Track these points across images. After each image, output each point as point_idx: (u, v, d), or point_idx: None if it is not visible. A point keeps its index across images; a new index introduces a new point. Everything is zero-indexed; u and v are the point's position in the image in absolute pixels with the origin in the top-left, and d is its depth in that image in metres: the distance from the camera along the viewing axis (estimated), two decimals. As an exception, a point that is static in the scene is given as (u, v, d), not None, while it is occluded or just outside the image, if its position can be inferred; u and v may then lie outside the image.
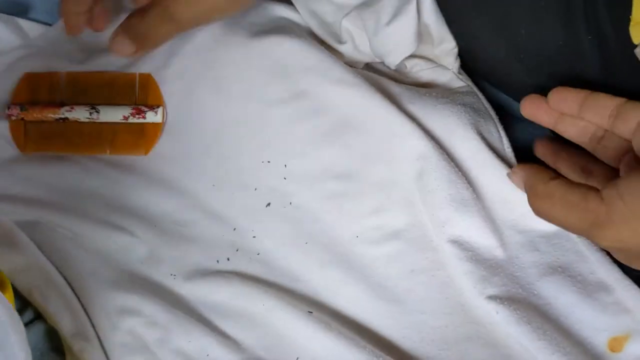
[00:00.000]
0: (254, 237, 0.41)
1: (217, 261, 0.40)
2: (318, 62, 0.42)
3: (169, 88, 0.45)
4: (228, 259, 0.40)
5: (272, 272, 0.40)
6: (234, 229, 0.41)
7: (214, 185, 0.42)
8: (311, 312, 0.37)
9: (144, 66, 0.45)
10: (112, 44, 0.41)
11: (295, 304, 0.37)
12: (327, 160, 0.41)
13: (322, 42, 0.44)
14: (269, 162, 0.42)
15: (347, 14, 0.41)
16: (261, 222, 0.41)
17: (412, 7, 0.40)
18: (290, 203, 0.41)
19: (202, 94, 0.44)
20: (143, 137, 0.45)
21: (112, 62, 0.46)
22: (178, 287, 0.40)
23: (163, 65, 0.45)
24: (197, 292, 0.39)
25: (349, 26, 0.43)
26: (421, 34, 0.42)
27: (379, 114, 0.40)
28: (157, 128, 0.45)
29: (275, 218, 0.41)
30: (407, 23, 0.40)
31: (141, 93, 0.45)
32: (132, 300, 0.38)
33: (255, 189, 0.41)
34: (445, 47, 0.43)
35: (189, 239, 0.41)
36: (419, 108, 0.41)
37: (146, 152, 0.44)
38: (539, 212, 0.31)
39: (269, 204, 0.41)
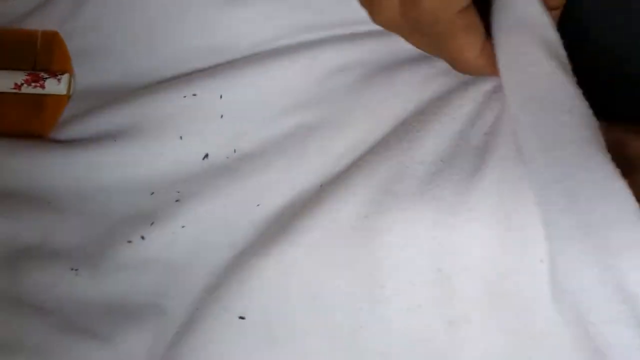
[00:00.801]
0: (177, 200, 0.30)
1: (130, 241, 0.29)
2: None
3: (79, 45, 0.34)
4: (142, 238, 0.29)
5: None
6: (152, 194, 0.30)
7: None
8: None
9: (46, 18, 0.34)
10: None
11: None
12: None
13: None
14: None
15: None
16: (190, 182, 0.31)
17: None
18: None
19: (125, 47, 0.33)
20: (42, 112, 0.33)
21: (3, 13, 0.34)
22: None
23: (70, 15, 0.34)
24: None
25: None
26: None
27: None
28: (60, 101, 0.34)
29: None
30: None
31: (43, 55, 0.34)
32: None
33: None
34: None
35: (95, 214, 0.31)
36: None
37: (45, 133, 0.33)
38: None
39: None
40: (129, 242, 0.29)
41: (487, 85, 0.28)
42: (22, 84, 0.33)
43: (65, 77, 0.33)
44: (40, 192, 0.31)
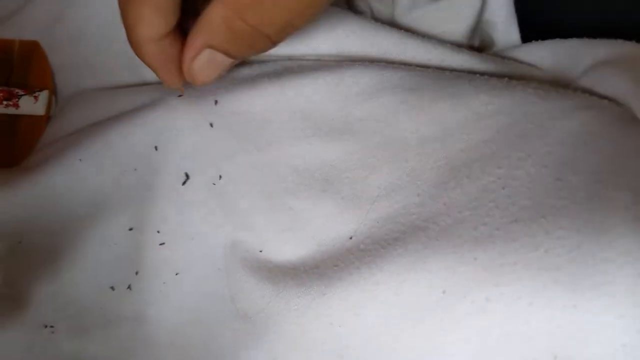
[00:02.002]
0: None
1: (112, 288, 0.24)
2: None
3: (62, 58, 0.28)
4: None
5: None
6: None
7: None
8: None
9: (25, 25, 0.28)
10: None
11: None
12: None
13: None
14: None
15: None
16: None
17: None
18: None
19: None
20: (13, 138, 0.27)
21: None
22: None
23: (53, 23, 0.28)
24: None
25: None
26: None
27: None
28: (37, 124, 0.28)
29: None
30: None
31: (20, 68, 0.28)
32: None
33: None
34: None
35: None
36: None
37: (18, 162, 0.27)
38: None
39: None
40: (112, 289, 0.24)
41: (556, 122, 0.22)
42: (-9, 102, 0.27)
43: (43, 95, 0.27)
44: (10, 230, 0.25)
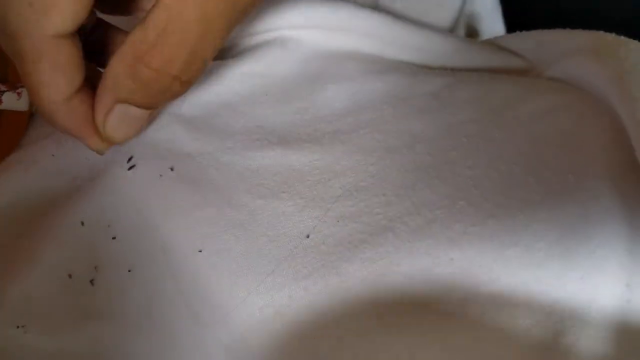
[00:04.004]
0: None
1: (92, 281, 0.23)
2: None
3: None
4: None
5: None
6: None
7: None
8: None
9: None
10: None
11: None
12: None
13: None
14: None
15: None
16: None
17: None
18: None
19: None
20: (-4, 134, 0.27)
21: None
22: None
23: None
24: None
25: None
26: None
27: None
28: (20, 120, 0.27)
29: None
30: None
31: (0, 64, 0.28)
32: None
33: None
34: None
35: None
36: None
37: (1, 158, 0.27)
38: None
39: None
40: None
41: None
42: (-28, 98, 0.27)
43: (26, 91, 0.27)
44: None
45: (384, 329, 0.19)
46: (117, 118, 0.20)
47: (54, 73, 0.19)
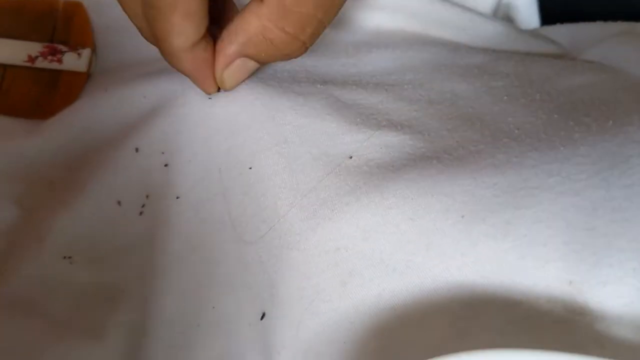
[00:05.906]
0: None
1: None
2: None
3: (101, 20, 0.29)
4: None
5: None
6: None
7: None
8: None
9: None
10: None
11: None
12: None
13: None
14: None
15: None
16: None
17: None
18: None
19: None
20: (55, 91, 0.29)
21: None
22: None
23: None
24: None
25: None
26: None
27: None
28: (77, 80, 0.29)
29: None
30: None
31: (63, 27, 0.30)
32: None
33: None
34: None
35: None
36: None
37: (52, 114, 0.29)
38: None
39: None
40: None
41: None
42: (36, 57, 0.29)
43: (86, 52, 0.29)
44: (40, 178, 0.26)
45: (422, 246, 0.20)
46: (235, 68, 0.22)
47: (184, 22, 0.20)
